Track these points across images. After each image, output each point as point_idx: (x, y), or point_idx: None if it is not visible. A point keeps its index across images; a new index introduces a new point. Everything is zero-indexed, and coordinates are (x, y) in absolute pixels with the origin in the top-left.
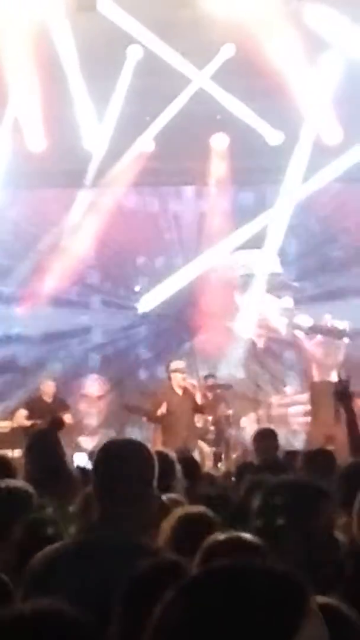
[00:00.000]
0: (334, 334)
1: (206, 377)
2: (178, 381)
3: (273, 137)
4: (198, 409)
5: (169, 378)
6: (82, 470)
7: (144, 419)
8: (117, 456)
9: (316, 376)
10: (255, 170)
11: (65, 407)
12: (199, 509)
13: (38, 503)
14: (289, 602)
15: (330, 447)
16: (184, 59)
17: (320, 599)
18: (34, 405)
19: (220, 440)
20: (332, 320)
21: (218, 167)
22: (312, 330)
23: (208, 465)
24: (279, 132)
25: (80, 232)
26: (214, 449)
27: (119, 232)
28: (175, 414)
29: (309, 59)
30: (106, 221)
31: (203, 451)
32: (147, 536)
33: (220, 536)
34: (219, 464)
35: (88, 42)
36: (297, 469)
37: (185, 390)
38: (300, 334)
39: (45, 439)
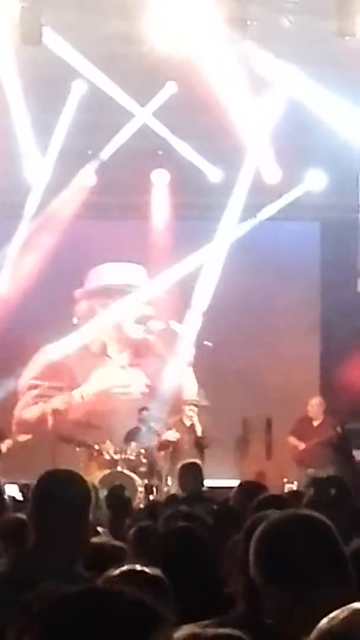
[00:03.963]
0: None
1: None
2: None
3: (213, 174)
4: None
5: None
6: (13, 499)
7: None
8: (54, 485)
9: None
10: (196, 206)
11: (2, 436)
12: (112, 541)
13: None
14: (139, 629)
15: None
16: (127, 94)
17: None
18: None
19: (152, 472)
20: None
21: (159, 202)
22: None
23: (140, 497)
24: (219, 170)
25: (17, 265)
26: (145, 481)
27: (57, 265)
28: None
29: (251, 98)
30: (44, 255)
31: (135, 483)
32: (79, 563)
33: (122, 567)
34: (151, 497)
35: (31, 74)
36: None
37: None
38: None
39: None
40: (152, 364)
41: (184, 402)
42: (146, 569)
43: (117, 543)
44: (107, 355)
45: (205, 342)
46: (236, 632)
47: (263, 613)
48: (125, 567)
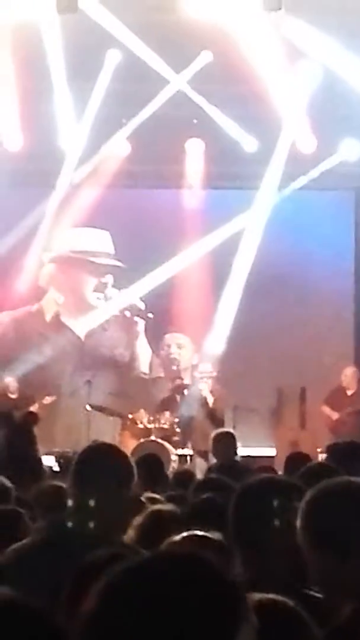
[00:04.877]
0: None
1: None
2: None
3: (248, 143)
4: None
5: None
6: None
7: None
8: (96, 457)
9: None
10: (230, 176)
11: (30, 401)
12: (168, 507)
13: (15, 496)
14: (227, 604)
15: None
16: (163, 61)
17: (261, 595)
18: None
19: (186, 441)
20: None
21: (193, 172)
22: None
23: (174, 467)
24: (254, 139)
25: (53, 232)
26: (179, 450)
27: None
28: None
29: (287, 67)
30: (79, 222)
31: (169, 453)
32: (118, 533)
33: (184, 533)
34: (185, 466)
35: (68, 43)
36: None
37: None
38: None
39: (21, 434)
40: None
41: (198, 374)
42: (208, 534)
43: (174, 509)
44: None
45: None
46: (281, 598)
47: (307, 579)
48: (187, 533)
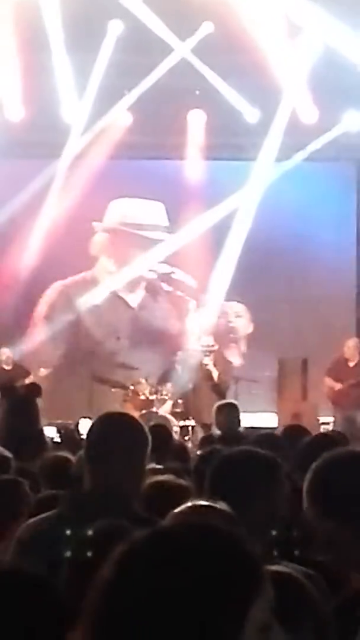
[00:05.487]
0: None
1: None
2: None
3: (250, 114)
4: None
5: None
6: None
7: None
8: (112, 428)
9: None
10: (232, 147)
11: (25, 373)
12: (171, 477)
13: (17, 466)
14: (243, 571)
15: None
16: (165, 31)
17: (273, 567)
18: None
19: (187, 413)
20: None
21: (194, 143)
22: None
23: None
24: (256, 110)
25: (54, 203)
26: (181, 422)
27: (93, 204)
28: None
29: (288, 39)
30: (81, 193)
31: (170, 425)
32: (136, 505)
33: (190, 503)
34: (186, 437)
35: (69, 14)
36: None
37: None
38: None
39: (24, 406)
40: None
41: (201, 347)
42: (214, 504)
43: (180, 481)
44: (119, 296)
45: None
46: (296, 571)
47: (315, 550)
48: (192, 503)
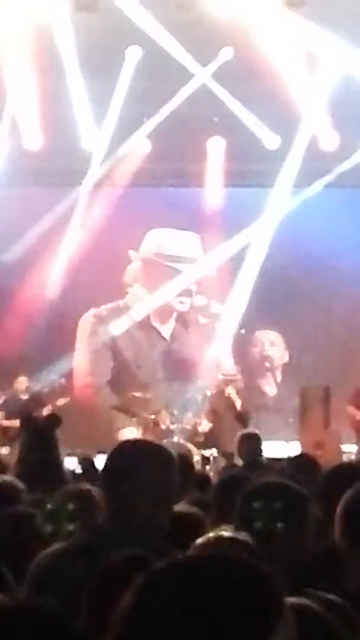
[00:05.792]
0: None
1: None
2: None
3: (270, 140)
4: None
5: None
6: (72, 473)
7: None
8: (132, 457)
9: None
10: (252, 173)
11: (42, 403)
12: (191, 509)
13: (31, 499)
14: (264, 602)
15: (318, 453)
16: (184, 57)
17: (292, 599)
18: (10, 405)
19: (209, 443)
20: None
21: (214, 170)
22: None
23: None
24: (276, 136)
25: (73, 231)
26: (202, 451)
27: (113, 231)
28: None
29: (307, 66)
30: (101, 221)
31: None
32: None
33: (212, 535)
34: (207, 467)
35: (88, 41)
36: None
37: None
38: None
39: (43, 437)
40: (195, 336)
41: (222, 377)
42: (236, 535)
43: (196, 511)
44: (152, 326)
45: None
46: (306, 601)
47: (346, 580)
48: (214, 534)
